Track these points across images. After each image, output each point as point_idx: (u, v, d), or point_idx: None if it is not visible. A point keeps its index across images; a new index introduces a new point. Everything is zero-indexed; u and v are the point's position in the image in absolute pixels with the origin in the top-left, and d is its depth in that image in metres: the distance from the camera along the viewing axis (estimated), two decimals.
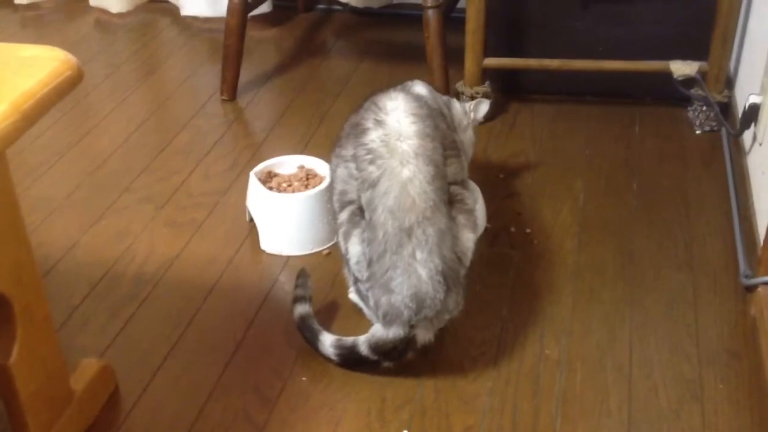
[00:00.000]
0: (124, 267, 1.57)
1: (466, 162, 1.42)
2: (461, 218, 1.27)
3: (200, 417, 1.26)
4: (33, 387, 1.09)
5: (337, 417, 1.24)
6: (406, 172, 1.23)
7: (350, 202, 1.31)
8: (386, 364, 1.28)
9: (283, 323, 1.42)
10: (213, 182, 1.81)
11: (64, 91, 0.96)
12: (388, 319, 1.23)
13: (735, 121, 1.83)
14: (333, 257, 1.56)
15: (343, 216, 1.32)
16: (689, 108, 1.93)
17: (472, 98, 1.92)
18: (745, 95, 1.80)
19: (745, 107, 1.58)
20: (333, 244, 1.58)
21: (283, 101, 2.12)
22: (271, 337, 1.40)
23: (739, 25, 1.85)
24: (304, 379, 1.31)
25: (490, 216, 1.66)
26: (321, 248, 1.59)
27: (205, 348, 1.39)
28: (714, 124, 1.90)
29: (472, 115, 1.58)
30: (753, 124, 1.58)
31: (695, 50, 1.85)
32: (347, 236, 1.28)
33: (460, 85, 1.98)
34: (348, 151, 1.31)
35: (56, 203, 1.75)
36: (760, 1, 1.80)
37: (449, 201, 1.28)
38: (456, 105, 1.56)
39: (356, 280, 1.28)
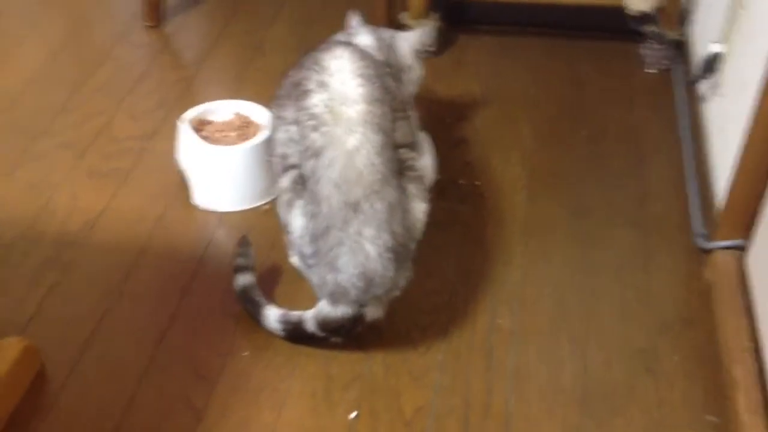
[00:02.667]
0: (43, 226, 1.45)
1: (415, 121, 1.32)
2: (412, 188, 1.19)
3: (133, 401, 1.18)
4: None
5: (281, 399, 1.18)
6: (352, 141, 1.13)
7: (292, 167, 1.21)
8: (334, 339, 1.21)
9: (220, 290, 1.33)
10: (139, 124, 1.67)
11: None
12: (335, 298, 1.15)
13: (688, 61, 1.77)
14: (272, 213, 1.47)
15: (285, 182, 1.21)
16: (642, 45, 1.86)
17: None
18: (701, 33, 1.74)
19: (705, 55, 1.51)
20: (272, 200, 1.48)
21: (214, 28, 1.96)
22: (208, 307, 1.31)
23: None
24: (245, 354, 1.24)
25: (439, 166, 1.57)
26: (259, 203, 1.49)
27: (137, 320, 1.29)
28: (667, 62, 1.83)
29: (418, 47, 1.48)
30: (712, 72, 1.51)
31: None
32: (290, 206, 1.19)
33: (403, 17, 1.86)
34: (289, 113, 1.20)
35: None
36: None
37: (399, 163, 1.19)
38: (401, 41, 1.45)
39: (300, 254, 1.20)
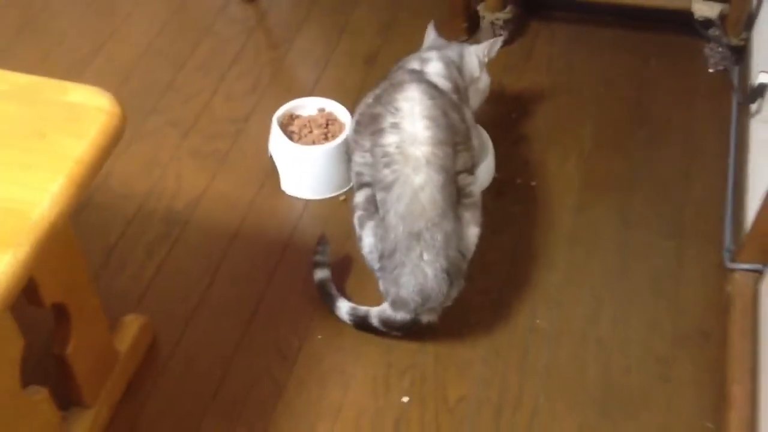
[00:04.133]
0: (155, 202, 1.69)
1: (474, 149, 1.49)
2: (467, 215, 1.38)
3: (228, 371, 1.43)
4: (86, 366, 1.25)
5: (347, 381, 1.42)
6: (418, 180, 1.32)
7: (367, 185, 1.41)
8: (394, 333, 1.44)
9: (302, 276, 1.55)
10: (235, 105, 1.88)
11: (112, 148, 1.04)
12: (396, 306, 1.37)
13: (749, 66, 1.86)
14: (348, 202, 1.67)
15: (359, 198, 1.42)
16: (706, 45, 1.95)
17: (493, 24, 1.96)
18: (763, 41, 1.83)
19: (755, 83, 1.62)
20: (348, 189, 1.68)
21: (303, 4, 2.12)
22: (290, 291, 1.55)
23: None
24: (319, 337, 1.48)
25: (499, 164, 1.74)
26: (337, 193, 1.70)
27: (231, 299, 1.54)
28: (728, 64, 1.93)
29: (485, 59, 1.64)
30: (760, 100, 1.63)
31: None
32: (362, 224, 1.40)
33: (481, 8, 1.99)
34: (366, 143, 1.39)
35: None
36: None
37: (457, 192, 1.38)
38: (469, 56, 1.61)
39: (369, 264, 1.41)
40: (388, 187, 1.34)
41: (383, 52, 1.99)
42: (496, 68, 1.82)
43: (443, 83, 1.48)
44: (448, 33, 1.73)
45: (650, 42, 2.02)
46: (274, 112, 1.73)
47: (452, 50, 1.59)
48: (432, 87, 1.43)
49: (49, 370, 1.24)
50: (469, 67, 1.60)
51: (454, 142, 1.38)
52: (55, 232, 0.96)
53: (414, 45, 1.70)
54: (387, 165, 1.34)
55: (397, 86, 1.41)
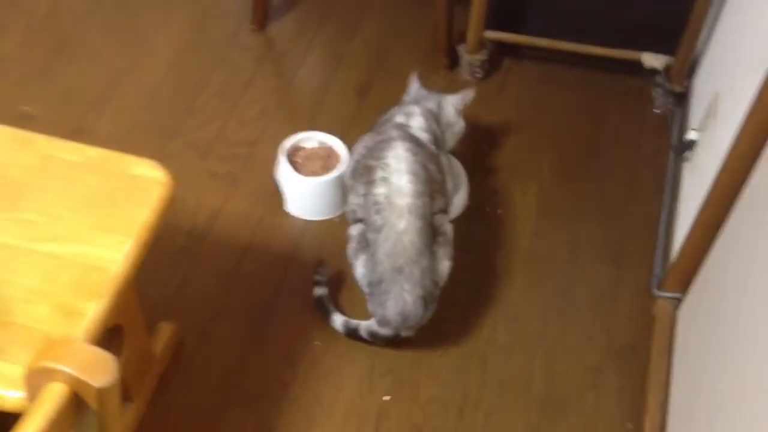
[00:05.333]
0: (178, 219, 1.99)
1: (448, 192, 1.80)
2: (441, 251, 1.70)
3: (245, 369, 1.75)
4: (132, 369, 1.57)
5: (339, 381, 1.75)
6: (401, 225, 1.63)
7: (360, 220, 1.72)
8: (378, 344, 1.76)
9: (303, 289, 1.86)
10: (246, 130, 2.17)
11: (167, 212, 1.34)
12: (381, 324, 1.70)
13: (688, 108, 2.17)
14: (342, 223, 1.97)
15: (353, 232, 1.73)
16: (653, 87, 2.26)
17: (470, 64, 2.25)
18: (704, 83, 2.13)
19: (685, 138, 1.94)
20: (342, 213, 1.98)
21: (306, 35, 2.40)
22: (293, 302, 1.86)
23: (709, 20, 2.13)
24: (317, 343, 1.80)
25: (473, 192, 2.05)
26: (333, 215, 2.01)
27: (243, 307, 1.85)
28: (672, 107, 2.24)
29: (461, 107, 1.94)
30: (689, 152, 1.94)
31: (668, 40, 2.15)
32: (355, 255, 1.71)
33: (461, 49, 2.27)
34: (360, 188, 1.71)
35: (119, 142, 2.09)
36: (732, 3, 2.06)
37: (433, 232, 1.69)
38: (446, 105, 1.92)
39: (360, 287, 1.73)
40: (377, 230, 1.65)
41: (375, 84, 2.28)
42: (473, 102, 2.11)
43: (424, 136, 1.79)
44: (432, 68, 2.02)
45: (606, 81, 2.33)
46: (279, 136, 2.03)
47: (432, 101, 1.89)
48: (414, 142, 1.73)
49: None
50: (445, 115, 1.90)
51: (431, 190, 1.69)
52: (128, 284, 1.26)
53: (402, 77, 2.00)
54: (377, 212, 1.65)
55: (387, 142, 1.72)
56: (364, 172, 1.71)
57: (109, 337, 1.49)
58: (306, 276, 1.87)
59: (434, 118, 1.86)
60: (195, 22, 2.42)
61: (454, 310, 1.86)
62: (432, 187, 1.70)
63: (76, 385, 0.93)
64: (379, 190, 1.66)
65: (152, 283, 1.86)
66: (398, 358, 1.79)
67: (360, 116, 2.19)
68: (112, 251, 1.27)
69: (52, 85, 2.23)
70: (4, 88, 2.22)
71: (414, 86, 1.95)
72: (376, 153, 1.71)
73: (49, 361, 0.92)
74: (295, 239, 1.97)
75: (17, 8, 2.41)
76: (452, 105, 1.92)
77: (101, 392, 0.94)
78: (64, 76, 2.26)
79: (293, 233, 1.99)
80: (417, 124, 1.80)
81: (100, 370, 0.94)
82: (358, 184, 1.72)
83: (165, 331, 1.73)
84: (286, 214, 2.01)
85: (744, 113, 1.54)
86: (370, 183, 1.68)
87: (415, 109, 1.83)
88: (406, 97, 1.94)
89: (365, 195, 1.69)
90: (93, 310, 1.22)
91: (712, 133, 1.81)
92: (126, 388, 1.56)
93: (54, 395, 0.93)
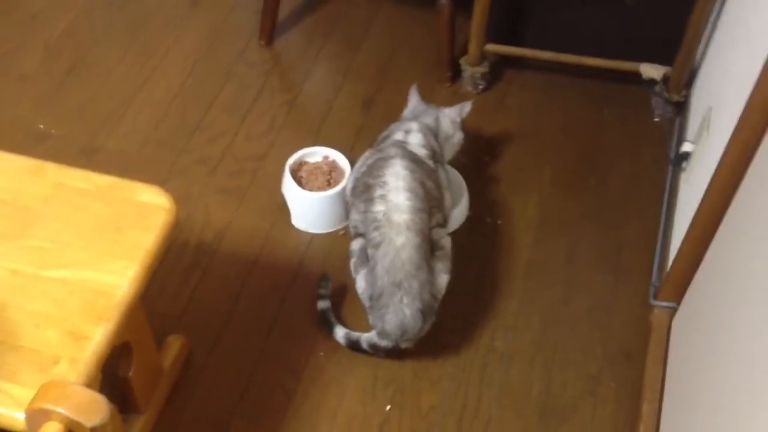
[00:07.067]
0: (187, 234, 2.06)
1: (446, 207, 1.86)
2: (439, 265, 1.75)
3: (251, 380, 1.82)
4: (141, 382, 1.64)
5: (342, 391, 1.81)
6: (400, 241, 1.69)
7: (361, 235, 1.78)
8: (379, 356, 1.82)
9: (307, 301, 1.93)
10: (254, 145, 2.23)
11: (171, 238, 1.40)
12: (381, 336, 1.75)
13: (687, 118, 2.21)
14: (346, 237, 2.03)
15: (355, 246, 1.79)
16: (653, 97, 2.29)
17: (472, 76, 2.30)
18: (700, 95, 2.17)
19: (680, 150, 1.97)
20: (345, 226, 2.04)
21: (312, 49, 2.46)
22: (298, 313, 1.92)
23: (706, 31, 2.16)
24: (321, 354, 1.86)
25: (472, 203, 2.11)
26: (337, 228, 2.07)
27: (251, 319, 1.92)
28: (671, 116, 2.27)
29: (458, 119, 1.99)
30: (684, 163, 1.98)
31: (666, 52, 2.18)
32: (356, 270, 1.77)
33: (463, 62, 2.32)
34: (360, 205, 1.76)
35: (131, 159, 2.19)
36: (727, 18, 2.09)
37: (431, 246, 1.75)
38: (443, 119, 1.97)
39: (361, 300, 1.79)
40: (376, 246, 1.70)
41: (380, 97, 2.34)
42: (473, 113, 2.16)
43: (422, 152, 1.84)
44: (435, 80, 2.06)
45: (606, 90, 2.36)
46: (286, 151, 2.10)
47: (430, 116, 1.94)
48: (413, 159, 1.79)
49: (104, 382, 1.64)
50: (443, 129, 1.95)
51: (429, 206, 1.75)
52: (133, 307, 1.33)
53: (406, 90, 2.05)
54: (376, 228, 1.71)
55: (386, 160, 1.77)
56: (363, 190, 1.77)
57: (118, 353, 1.57)
58: (310, 288, 1.93)
59: (432, 133, 1.91)
60: (205, 39, 2.49)
61: (453, 320, 1.91)
62: (429, 203, 1.75)
63: (71, 425, 1.01)
64: (378, 208, 1.72)
65: (162, 297, 1.94)
66: (400, 368, 1.84)
67: (366, 128, 2.24)
68: (118, 276, 1.34)
69: (67, 103, 2.31)
70: (22, 107, 2.30)
71: (413, 99, 2.00)
72: (375, 171, 1.77)
73: (46, 403, 1.00)
74: (301, 253, 2.04)
75: (35, 30, 2.49)
76: (450, 118, 1.97)
77: (94, 431, 1.01)
78: (79, 94, 2.33)
79: (299, 246, 2.05)
80: (415, 140, 1.86)
81: (92, 410, 1.01)
82: (358, 201, 1.78)
83: (174, 345, 1.80)
84: (293, 228, 2.08)
85: (732, 128, 1.58)
86: (369, 201, 1.74)
87: (413, 126, 1.89)
88: (406, 112, 2.00)
89: (365, 212, 1.74)
90: (100, 333, 1.29)
91: (705, 146, 1.85)
92: (135, 400, 1.64)
93: None
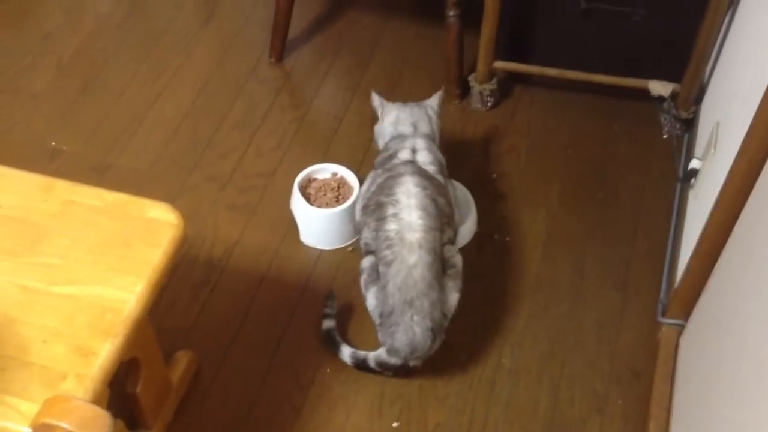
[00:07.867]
0: (197, 250, 2.07)
1: (456, 222, 1.86)
2: (450, 284, 1.75)
3: (259, 395, 1.83)
4: (150, 398, 1.65)
5: (349, 407, 1.81)
6: (412, 260, 1.70)
7: (371, 252, 1.79)
8: (387, 374, 1.83)
9: (315, 317, 1.94)
10: (263, 161, 2.25)
11: (179, 254, 1.42)
12: (390, 354, 1.76)
13: (696, 134, 2.21)
14: (354, 253, 2.05)
15: (365, 264, 1.80)
16: (661, 114, 2.29)
17: (481, 93, 2.32)
18: (708, 112, 2.17)
19: (688, 167, 1.98)
20: (354, 241, 2.05)
21: (322, 66, 2.48)
22: (306, 329, 1.93)
23: (715, 49, 2.17)
24: (328, 370, 1.86)
25: (480, 219, 2.11)
26: (346, 244, 2.08)
27: (259, 334, 1.93)
28: (680, 133, 2.27)
29: (438, 108, 2.00)
30: (693, 180, 1.98)
31: (675, 69, 2.19)
32: (367, 287, 1.78)
33: (471, 79, 2.34)
34: (372, 223, 1.77)
35: (142, 176, 2.21)
36: (735, 34, 2.10)
37: (443, 264, 1.75)
38: (432, 114, 1.98)
39: (372, 316, 1.80)
40: (388, 264, 1.71)
41: None
42: (483, 130, 2.19)
43: (431, 168, 1.85)
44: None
45: (615, 107, 2.37)
46: (295, 167, 2.11)
47: (423, 121, 1.94)
48: (423, 176, 1.80)
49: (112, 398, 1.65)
50: (435, 123, 1.97)
51: (441, 223, 1.76)
52: (140, 323, 1.34)
53: None
54: (388, 246, 1.72)
55: (396, 178, 1.78)
56: (375, 208, 1.78)
57: (126, 369, 1.58)
58: (318, 304, 1.94)
59: (434, 140, 1.92)
60: (216, 56, 2.51)
61: (461, 336, 1.91)
62: (441, 220, 1.76)
63: None
64: (391, 227, 1.73)
65: (171, 312, 1.95)
66: (407, 385, 1.85)
67: (372, 146, 2.25)
68: (126, 292, 1.36)
69: (80, 121, 2.34)
70: (36, 125, 2.33)
71: (394, 107, 1.98)
72: (386, 190, 1.78)
73: (49, 418, 1.01)
74: (309, 269, 2.05)
75: (47, 48, 2.52)
76: (433, 110, 1.98)
77: None
78: (91, 112, 2.36)
79: (307, 263, 2.06)
80: (424, 158, 1.86)
81: (96, 426, 1.03)
82: (370, 220, 1.79)
83: (183, 360, 1.81)
84: (301, 245, 2.09)
85: (739, 145, 1.59)
86: (382, 219, 1.75)
87: (419, 144, 1.89)
88: (398, 124, 1.96)
89: (376, 230, 1.75)
90: (107, 349, 1.30)
91: (712, 163, 1.85)
92: (143, 416, 1.65)
93: None
